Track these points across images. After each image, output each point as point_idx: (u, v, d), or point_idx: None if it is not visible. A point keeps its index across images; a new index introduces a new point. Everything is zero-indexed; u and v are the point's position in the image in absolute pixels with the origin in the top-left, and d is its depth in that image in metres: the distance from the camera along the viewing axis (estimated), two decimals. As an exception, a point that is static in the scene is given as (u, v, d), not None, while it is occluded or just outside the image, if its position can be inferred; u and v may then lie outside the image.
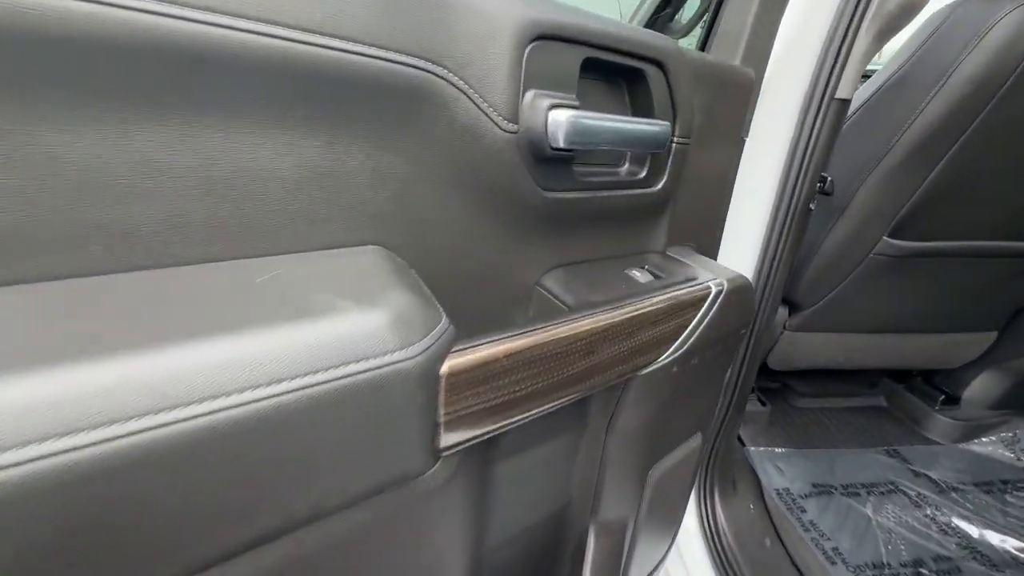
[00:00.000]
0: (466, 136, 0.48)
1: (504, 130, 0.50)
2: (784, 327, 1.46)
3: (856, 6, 0.82)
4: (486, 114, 0.48)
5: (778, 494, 1.37)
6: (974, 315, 1.47)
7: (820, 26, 0.86)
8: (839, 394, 1.82)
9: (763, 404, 1.66)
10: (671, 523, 1.11)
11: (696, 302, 0.69)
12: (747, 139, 0.91)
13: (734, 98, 0.82)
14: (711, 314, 0.72)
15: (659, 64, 0.63)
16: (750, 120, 0.90)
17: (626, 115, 0.66)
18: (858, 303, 1.36)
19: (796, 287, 1.35)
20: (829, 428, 1.67)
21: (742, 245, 1.06)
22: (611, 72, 0.63)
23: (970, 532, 1.26)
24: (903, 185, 1.11)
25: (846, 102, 0.92)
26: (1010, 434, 1.62)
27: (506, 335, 0.48)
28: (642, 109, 0.65)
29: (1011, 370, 1.65)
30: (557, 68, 0.53)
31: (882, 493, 1.39)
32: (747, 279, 0.78)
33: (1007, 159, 1.10)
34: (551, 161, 0.55)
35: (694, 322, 0.70)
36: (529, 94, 0.50)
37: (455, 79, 0.46)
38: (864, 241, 1.21)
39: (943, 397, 1.67)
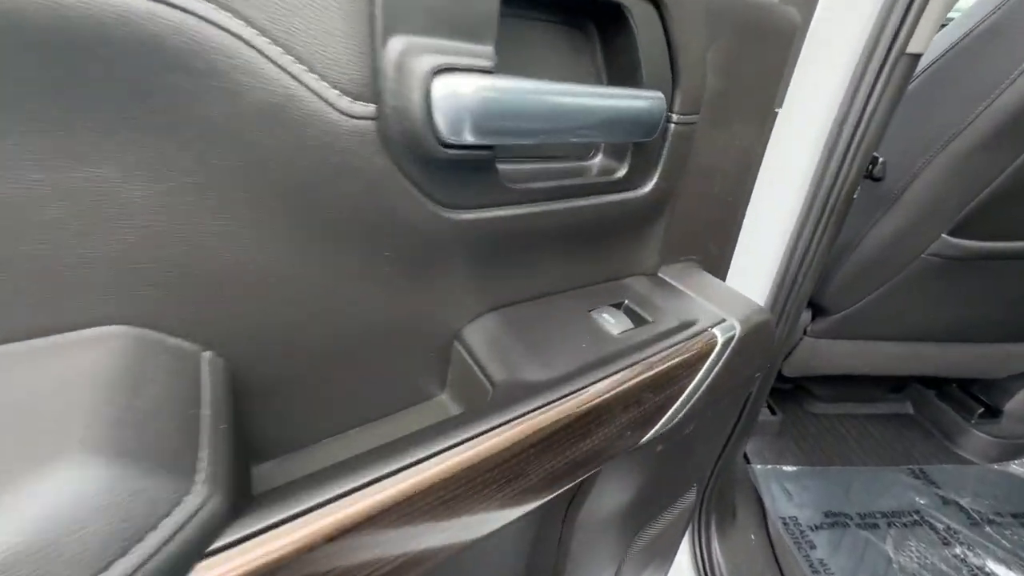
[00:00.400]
0: (269, 125, 0.26)
1: (346, 113, 0.28)
2: (805, 332, 1.24)
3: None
4: (303, 83, 0.26)
5: (784, 524, 1.20)
6: (1037, 324, 1.24)
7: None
8: (860, 399, 1.61)
9: (773, 412, 1.47)
10: (660, 569, 0.94)
11: (696, 360, 0.48)
12: (779, 110, 0.67)
13: (768, 52, 0.58)
14: (716, 370, 0.51)
15: (651, -4, 0.39)
16: (788, 83, 0.66)
17: (594, 81, 0.43)
18: (897, 310, 1.14)
19: (824, 289, 1.12)
20: (847, 440, 1.48)
21: (763, 247, 0.83)
22: (566, 7, 0.39)
23: (1007, 580, 1.09)
24: (979, 171, 0.86)
25: (916, 58, 0.67)
26: (1057, 453, 1.42)
27: (352, 486, 0.27)
28: (622, 70, 0.42)
29: (1067, 382, 1.43)
30: (453, -3, 0.29)
31: (905, 525, 1.21)
32: (766, 313, 0.56)
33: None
34: (452, 164, 0.33)
35: (691, 387, 0.49)
36: (396, 44, 0.28)
37: (231, 21, 0.24)
38: (917, 239, 0.97)
39: (982, 409, 1.46)
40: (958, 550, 1.15)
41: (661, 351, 0.45)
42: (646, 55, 0.40)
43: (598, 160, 0.46)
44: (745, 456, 1.37)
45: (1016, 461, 1.41)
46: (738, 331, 0.51)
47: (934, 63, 0.89)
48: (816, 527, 1.19)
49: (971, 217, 0.93)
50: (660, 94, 0.39)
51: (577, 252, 0.49)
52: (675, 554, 1.03)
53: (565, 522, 0.56)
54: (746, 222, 0.74)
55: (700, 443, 0.69)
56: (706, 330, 0.49)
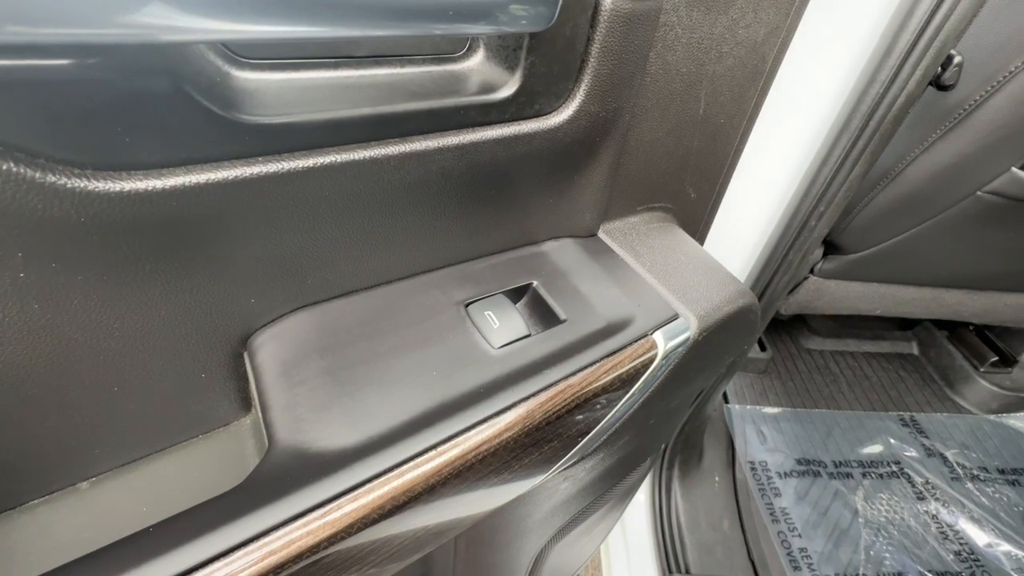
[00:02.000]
0: None
1: None
2: (811, 270, 1.07)
3: None
4: None
5: (752, 468, 1.14)
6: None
7: None
8: (861, 336, 1.48)
9: (763, 348, 1.35)
10: (615, 509, 0.88)
11: (619, 383, 0.33)
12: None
13: None
14: (654, 386, 0.37)
15: None
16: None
17: None
18: (928, 253, 0.95)
19: (843, 226, 0.93)
20: (838, 380, 1.38)
21: (770, 183, 0.64)
22: None
23: (976, 540, 1.04)
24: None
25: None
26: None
27: None
28: None
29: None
30: None
31: (881, 476, 1.14)
32: (745, 295, 0.40)
33: None
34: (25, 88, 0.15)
35: (611, 415, 0.35)
36: None
37: None
38: (979, 171, 0.76)
39: (995, 358, 1.32)
40: (932, 506, 1.10)
41: (566, 376, 0.30)
42: None
43: (476, 62, 0.27)
44: (724, 395, 1.28)
45: (1017, 414, 1.31)
46: (693, 332, 0.36)
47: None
48: (785, 474, 1.13)
49: (1058, 147, 0.70)
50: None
51: (453, 211, 0.32)
52: (633, 495, 0.98)
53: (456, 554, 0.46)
54: (748, 149, 0.54)
55: (657, 420, 0.57)
56: (644, 336, 0.34)
